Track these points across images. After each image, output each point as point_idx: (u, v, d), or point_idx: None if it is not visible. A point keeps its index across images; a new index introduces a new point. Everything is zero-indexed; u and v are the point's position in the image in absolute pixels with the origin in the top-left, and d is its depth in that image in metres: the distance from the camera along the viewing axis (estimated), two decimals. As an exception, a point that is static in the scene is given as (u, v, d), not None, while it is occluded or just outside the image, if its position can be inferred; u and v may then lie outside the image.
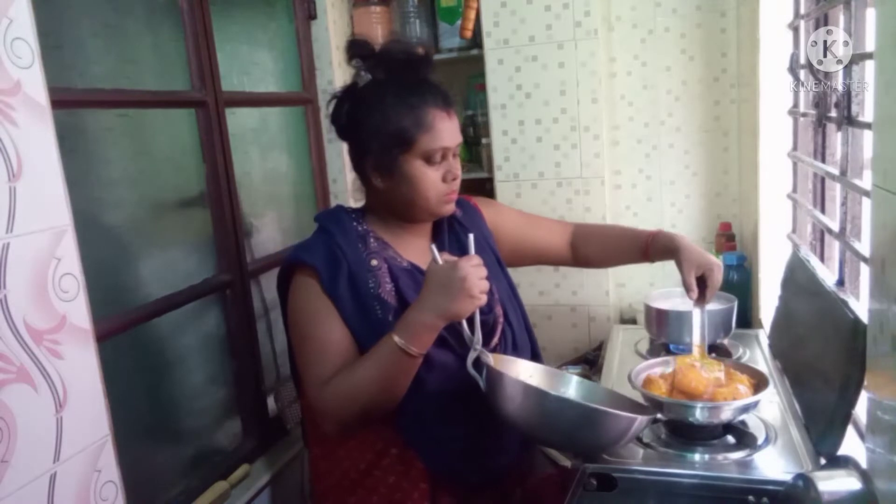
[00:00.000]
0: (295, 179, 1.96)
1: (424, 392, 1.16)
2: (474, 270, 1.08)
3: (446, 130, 1.19)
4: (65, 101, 1.12)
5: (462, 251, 1.27)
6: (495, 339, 1.26)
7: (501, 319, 1.30)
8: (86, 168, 1.26)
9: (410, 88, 1.19)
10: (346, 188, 2.02)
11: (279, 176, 1.90)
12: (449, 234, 1.33)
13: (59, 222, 0.95)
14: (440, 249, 1.27)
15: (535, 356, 1.37)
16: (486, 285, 1.09)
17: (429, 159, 1.18)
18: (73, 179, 0.99)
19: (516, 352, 1.30)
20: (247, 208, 1.66)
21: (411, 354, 1.08)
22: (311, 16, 1.95)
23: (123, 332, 1.25)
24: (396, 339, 1.08)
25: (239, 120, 1.66)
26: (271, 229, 1.83)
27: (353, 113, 1.22)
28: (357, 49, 1.22)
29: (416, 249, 1.27)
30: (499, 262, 1.38)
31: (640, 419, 1.06)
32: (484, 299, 1.10)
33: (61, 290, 0.95)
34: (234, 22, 1.73)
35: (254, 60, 1.81)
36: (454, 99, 1.24)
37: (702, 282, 1.27)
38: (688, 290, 1.27)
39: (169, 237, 1.48)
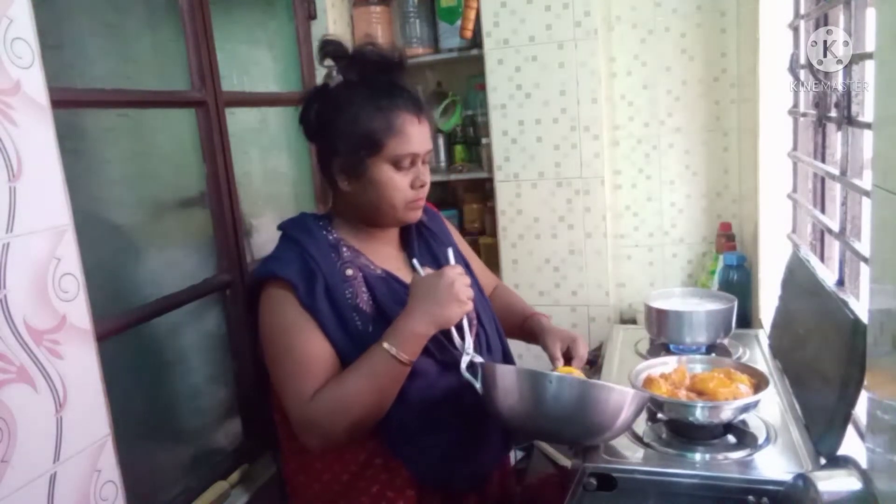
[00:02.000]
0: (295, 179, 1.96)
1: (406, 401, 1.15)
2: (460, 277, 1.10)
3: (416, 136, 1.17)
4: (65, 101, 1.12)
5: (433, 257, 1.29)
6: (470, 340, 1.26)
7: (476, 322, 1.29)
8: (86, 168, 1.26)
9: (382, 91, 1.17)
10: (346, 188, 2.02)
11: (279, 176, 1.90)
12: (418, 240, 1.32)
13: (59, 222, 0.95)
14: (411, 255, 1.28)
15: (506, 356, 1.37)
16: (471, 292, 1.11)
17: (397, 164, 1.17)
18: (73, 179, 0.99)
19: (490, 353, 1.30)
20: (247, 208, 1.66)
21: (402, 362, 1.08)
22: (311, 16, 1.95)
23: (123, 332, 1.25)
24: (387, 346, 1.07)
25: (239, 120, 1.66)
26: (271, 229, 1.82)
27: (322, 113, 1.20)
28: (330, 49, 1.21)
29: (387, 256, 1.27)
30: (466, 265, 1.38)
31: (634, 393, 1.07)
32: (471, 304, 1.10)
33: (61, 290, 0.95)
34: (234, 22, 1.73)
35: (254, 60, 1.81)
36: (427, 105, 1.23)
37: (568, 355, 1.29)
38: (553, 360, 1.28)
39: (169, 237, 1.48)
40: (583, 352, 1.28)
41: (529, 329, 1.38)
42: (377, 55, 1.20)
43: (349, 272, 1.19)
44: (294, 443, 1.19)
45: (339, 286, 1.16)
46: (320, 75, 1.97)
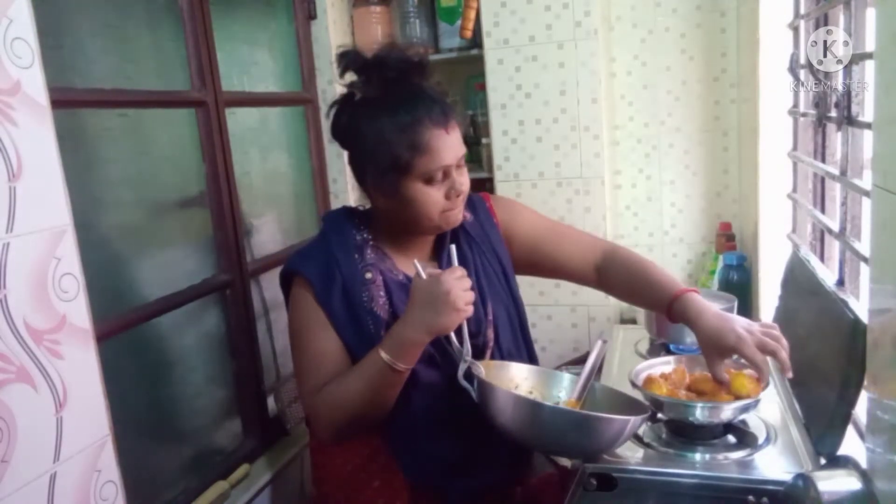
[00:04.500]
0: (295, 179, 1.96)
1: (410, 409, 1.16)
2: (458, 283, 1.07)
3: (445, 149, 1.12)
4: (65, 101, 1.12)
5: (465, 263, 1.25)
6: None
7: (492, 344, 1.27)
8: (86, 168, 1.26)
9: (404, 107, 1.12)
10: (346, 188, 2.02)
11: (279, 176, 1.90)
12: (453, 243, 1.28)
13: (59, 222, 0.95)
14: (440, 265, 1.26)
15: (528, 348, 1.35)
16: (470, 296, 1.08)
17: (429, 180, 1.13)
18: (73, 179, 0.99)
19: (499, 348, 1.28)
20: (247, 208, 1.66)
21: (398, 370, 1.08)
22: (311, 16, 1.95)
23: (123, 332, 1.25)
24: (383, 354, 1.08)
25: (239, 120, 1.66)
26: (271, 229, 1.83)
27: (350, 127, 1.18)
28: (348, 61, 1.16)
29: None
30: (506, 278, 1.32)
31: (634, 420, 1.05)
32: (470, 311, 1.08)
33: (61, 290, 0.95)
34: (234, 22, 1.73)
35: (254, 60, 1.81)
36: (453, 109, 1.17)
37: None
38: (718, 381, 1.10)
39: (169, 237, 1.48)
40: (753, 355, 1.05)
41: (681, 315, 1.15)
42: (398, 61, 1.14)
43: (368, 275, 1.19)
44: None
45: (356, 288, 1.17)
46: (321, 76, 1.98)
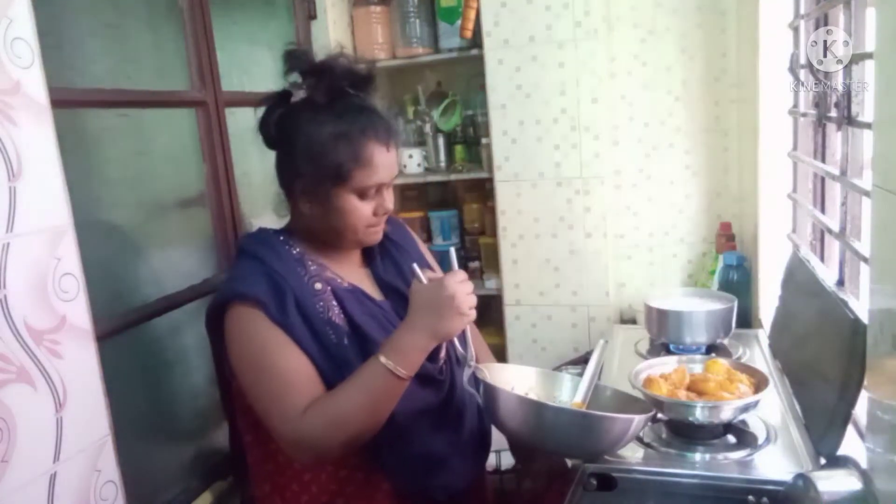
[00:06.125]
0: (295, 179, 1.96)
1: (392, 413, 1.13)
2: (461, 287, 1.05)
3: (383, 166, 1.13)
4: (65, 101, 1.12)
5: (398, 271, 1.26)
6: (442, 353, 1.23)
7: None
8: (86, 168, 1.26)
9: (351, 118, 1.11)
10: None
11: (279, 176, 1.90)
12: (382, 254, 1.28)
13: (59, 222, 0.95)
14: (374, 272, 1.25)
15: None
16: (474, 300, 1.07)
17: (362, 194, 1.13)
18: (73, 179, 0.99)
19: (459, 365, 1.26)
20: (247, 208, 1.66)
21: (400, 377, 1.04)
22: (311, 16, 1.95)
23: (123, 332, 1.25)
24: (384, 360, 1.03)
25: (239, 120, 1.66)
26: (271, 229, 1.82)
27: (284, 128, 1.15)
28: (296, 62, 1.14)
29: (351, 271, 1.23)
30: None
31: (638, 419, 1.06)
32: (474, 315, 1.07)
33: (61, 290, 0.95)
34: (234, 22, 1.73)
35: (254, 60, 1.81)
36: (396, 128, 1.18)
37: None
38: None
39: (169, 237, 1.48)
40: None
41: None
42: (346, 72, 1.13)
43: (318, 286, 1.15)
44: (268, 465, 1.17)
45: (309, 300, 1.13)
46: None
